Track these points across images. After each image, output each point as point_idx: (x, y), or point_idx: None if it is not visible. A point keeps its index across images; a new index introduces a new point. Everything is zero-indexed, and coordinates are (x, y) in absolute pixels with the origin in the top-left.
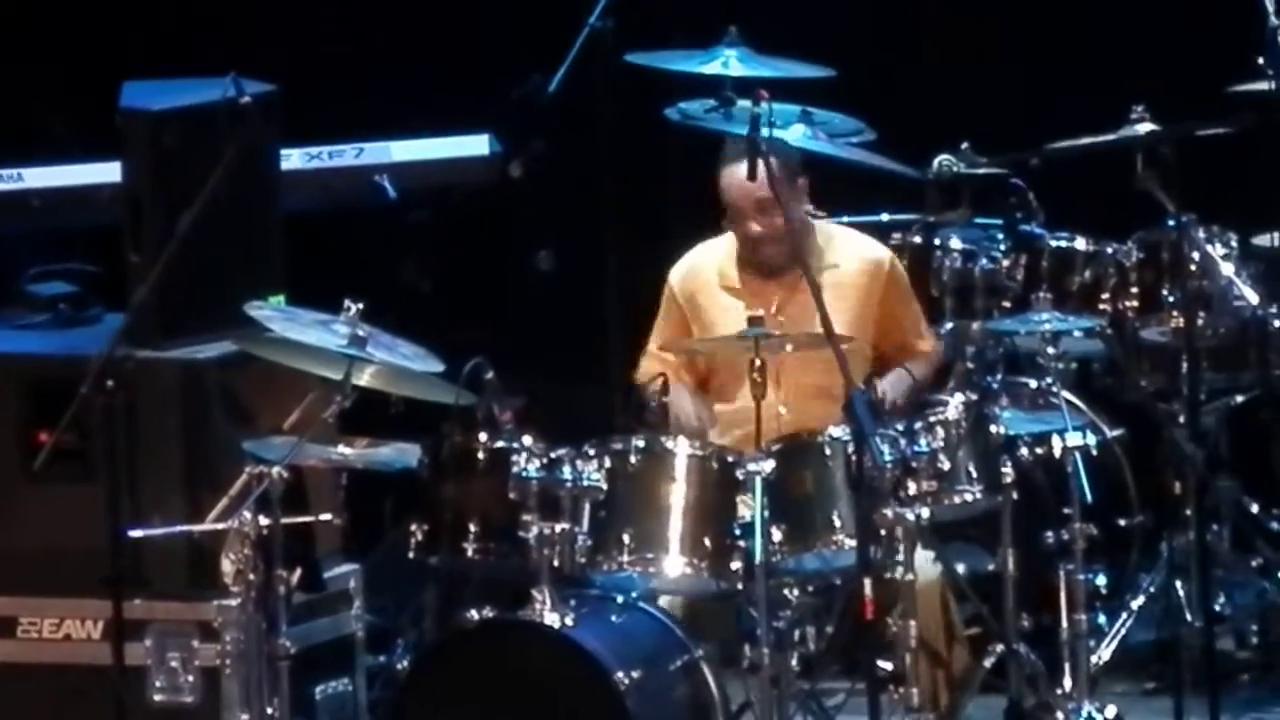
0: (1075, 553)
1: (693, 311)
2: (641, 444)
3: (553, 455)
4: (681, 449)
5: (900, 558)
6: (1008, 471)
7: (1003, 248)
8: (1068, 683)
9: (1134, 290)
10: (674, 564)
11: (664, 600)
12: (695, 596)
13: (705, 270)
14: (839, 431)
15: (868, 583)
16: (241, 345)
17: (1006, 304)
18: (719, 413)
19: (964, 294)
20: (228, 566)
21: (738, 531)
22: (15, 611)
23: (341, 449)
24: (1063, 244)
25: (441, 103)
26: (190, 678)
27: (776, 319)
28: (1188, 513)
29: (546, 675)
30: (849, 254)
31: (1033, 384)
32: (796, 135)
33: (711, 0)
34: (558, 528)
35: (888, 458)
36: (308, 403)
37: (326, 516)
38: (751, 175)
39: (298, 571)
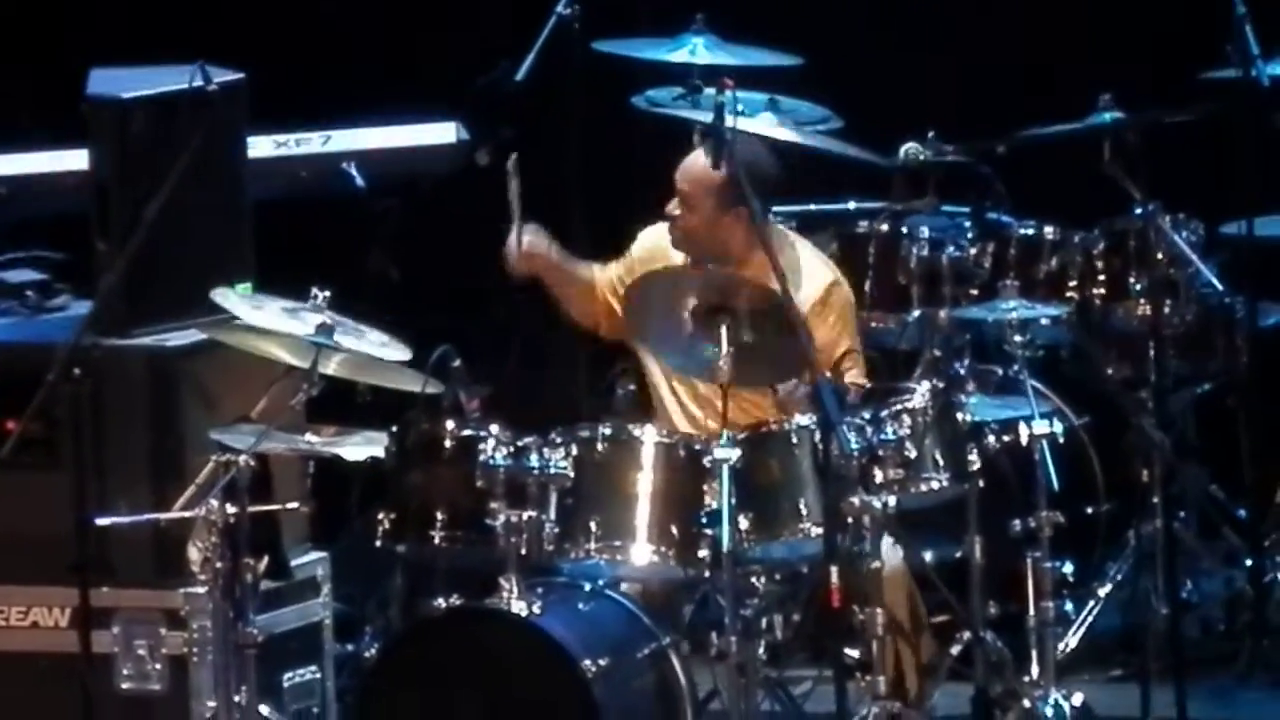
0: (1042, 540)
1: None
2: (608, 431)
3: (520, 443)
4: (649, 437)
5: (867, 545)
6: (974, 459)
7: (970, 235)
8: (1034, 670)
9: (1101, 278)
10: (641, 552)
11: (623, 587)
12: (662, 584)
13: (660, 257)
14: (805, 419)
15: (834, 571)
16: (209, 333)
17: (974, 291)
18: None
19: (931, 282)
20: (195, 554)
21: (705, 519)
22: None
23: (309, 437)
24: (1030, 232)
25: (409, 90)
26: (157, 666)
27: None
28: (1155, 500)
29: (513, 663)
30: (810, 284)
31: (999, 371)
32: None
33: None
34: (525, 515)
35: (854, 446)
36: (275, 391)
37: (293, 505)
38: (717, 165)
39: (265, 559)
